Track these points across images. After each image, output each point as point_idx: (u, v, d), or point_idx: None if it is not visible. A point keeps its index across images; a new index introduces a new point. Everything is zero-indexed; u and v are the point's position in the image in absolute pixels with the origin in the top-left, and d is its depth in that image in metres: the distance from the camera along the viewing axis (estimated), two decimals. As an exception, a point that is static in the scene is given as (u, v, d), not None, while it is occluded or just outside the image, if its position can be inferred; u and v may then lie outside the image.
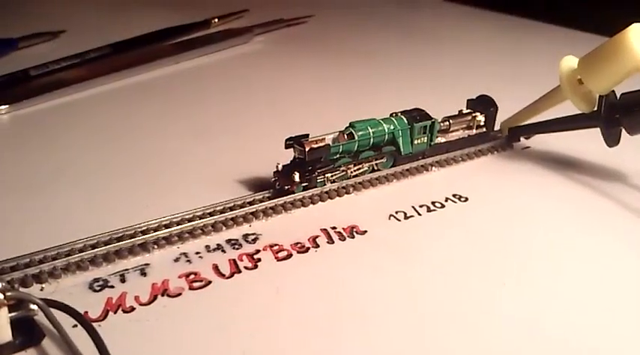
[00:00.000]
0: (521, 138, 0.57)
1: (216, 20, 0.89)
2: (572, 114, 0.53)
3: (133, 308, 0.35)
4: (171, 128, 0.59)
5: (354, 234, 0.43)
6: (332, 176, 0.47)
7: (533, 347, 0.34)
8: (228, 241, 0.42)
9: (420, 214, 0.46)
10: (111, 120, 0.61)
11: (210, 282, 0.38)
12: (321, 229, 0.43)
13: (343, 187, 0.47)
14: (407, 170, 0.50)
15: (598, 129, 0.51)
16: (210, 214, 0.43)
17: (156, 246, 0.40)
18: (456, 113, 0.54)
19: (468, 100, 0.55)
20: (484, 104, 0.54)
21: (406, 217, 0.45)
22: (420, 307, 0.37)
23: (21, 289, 0.36)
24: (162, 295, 0.37)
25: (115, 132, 0.58)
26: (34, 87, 0.65)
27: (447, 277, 0.39)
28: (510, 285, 0.39)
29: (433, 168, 0.51)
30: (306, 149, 0.44)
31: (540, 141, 0.56)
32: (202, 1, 1.04)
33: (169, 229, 0.41)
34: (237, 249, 0.41)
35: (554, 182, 0.51)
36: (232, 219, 0.43)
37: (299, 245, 0.42)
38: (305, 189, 0.46)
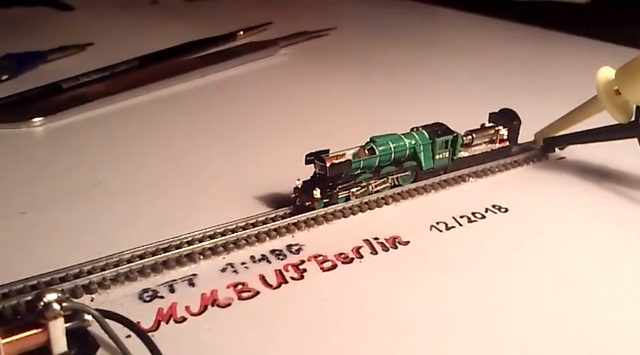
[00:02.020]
0: (556, 149, 0.57)
1: (242, 33, 0.90)
2: (607, 124, 0.52)
3: (184, 319, 0.35)
4: (203, 140, 0.59)
5: (397, 244, 0.43)
6: (356, 191, 0.46)
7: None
8: (273, 252, 0.42)
9: (461, 225, 0.46)
10: (142, 133, 0.61)
11: (258, 293, 0.38)
12: (363, 240, 0.43)
13: (382, 198, 0.48)
14: (444, 181, 0.50)
15: (633, 140, 0.51)
16: (253, 225, 0.43)
17: (202, 257, 0.40)
18: (479, 127, 0.53)
19: (490, 114, 0.54)
20: (507, 117, 0.54)
21: (447, 228, 0.45)
22: (468, 317, 0.37)
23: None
24: (213, 305, 0.37)
25: (148, 145, 0.58)
26: (66, 99, 0.66)
27: (494, 288, 0.39)
28: (558, 296, 0.39)
29: (470, 178, 0.51)
30: (327, 165, 0.44)
31: (575, 152, 0.56)
32: (227, 15, 1.05)
33: (214, 240, 0.41)
34: (282, 259, 0.41)
35: (592, 193, 0.51)
36: (275, 229, 0.43)
37: (343, 255, 0.42)
38: (326, 205, 0.45)
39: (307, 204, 0.44)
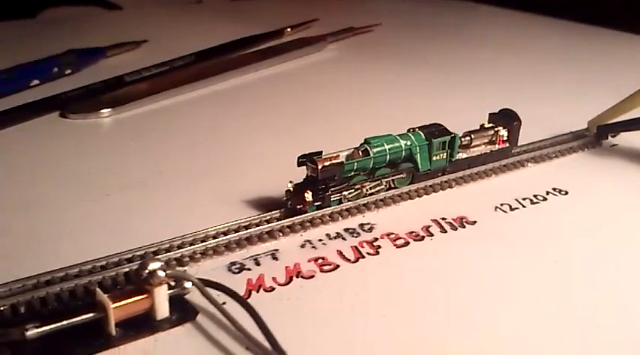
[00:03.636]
0: (609, 136, 0.58)
1: (289, 29, 0.92)
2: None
3: (272, 288, 0.38)
4: (261, 130, 0.62)
5: (464, 224, 0.45)
6: (348, 194, 0.46)
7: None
8: (346, 230, 0.44)
9: (524, 206, 0.47)
10: (204, 123, 0.64)
11: (338, 266, 0.40)
12: (431, 219, 0.45)
13: (446, 181, 0.50)
14: (504, 165, 0.52)
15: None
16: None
17: (281, 234, 0.43)
18: (478, 127, 0.52)
19: (490, 114, 0.53)
20: (507, 118, 0.52)
21: (512, 209, 0.47)
22: (537, 293, 0.38)
23: (165, 271, 0.39)
24: (297, 277, 0.39)
25: (211, 133, 0.61)
26: (130, 92, 0.69)
27: (562, 265, 0.41)
28: (623, 274, 0.40)
29: (529, 163, 0.53)
30: (319, 167, 0.43)
31: (627, 139, 0.58)
32: (271, 13, 1.08)
33: (291, 218, 0.44)
34: (356, 237, 0.43)
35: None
36: (347, 209, 0.45)
37: (414, 233, 0.44)
38: (318, 208, 0.44)
39: (298, 207, 0.44)
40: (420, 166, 0.48)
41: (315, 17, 0.98)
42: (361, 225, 0.45)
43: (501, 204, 0.47)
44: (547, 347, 0.34)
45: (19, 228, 0.44)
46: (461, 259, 0.41)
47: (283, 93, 0.73)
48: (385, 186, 0.47)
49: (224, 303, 0.36)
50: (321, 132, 0.61)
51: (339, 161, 0.44)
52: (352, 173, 0.45)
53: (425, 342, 0.34)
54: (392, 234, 0.44)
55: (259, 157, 0.56)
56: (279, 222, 0.43)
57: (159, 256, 0.40)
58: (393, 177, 0.47)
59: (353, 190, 0.46)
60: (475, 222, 0.45)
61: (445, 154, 0.49)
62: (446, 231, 0.44)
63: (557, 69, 0.83)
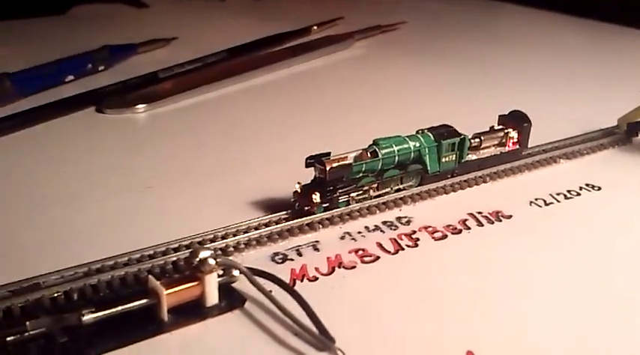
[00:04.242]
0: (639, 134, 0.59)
1: (316, 27, 0.93)
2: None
3: (316, 278, 0.39)
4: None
5: (501, 218, 0.46)
6: (357, 195, 0.45)
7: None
8: (384, 222, 0.45)
9: (558, 201, 0.48)
10: (235, 118, 0.65)
11: (378, 257, 0.41)
12: (467, 213, 0.46)
13: (480, 176, 0.50)
14: (537, 161, 0.53)
15: None
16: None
17: (321, 226, 0.44)
18: (488, 129, 0.52)
19: (499, 116, 0.52)
20: (517, 120, 0.52)
21: (546, 204, 0.48)
22: (574, 286, 0.39)
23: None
24: (339, 267, 0.40)
25: (244, 129, 0.62)
26: (164, 88, 0.70)
27: (596, 259, 0.42)
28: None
29: (561, 160, 0.54)
30: (327, 168, 0.43)
31: (658, 137, 0.59)
32: (294, 10, 1.09)
33: (331, 211, 0.44)
34: (394, 229, 0.44)
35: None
36: (384, 203, 0.46)
37: (451, 227, 0.45)
38: (326, 209, 0.44)
39: (306, 208, 0.44)
40: (428, 168, 0.48)
41: (338, 15, 0.99)
42: (398, 218, 0.46)
43: (536, 199, 0.48)
44: (580, 341, 0.35)
45: (62, 219, 0.45)
46: (498, 252, 0.42)
47: (315, 89, 0.74)
48: (393, 187, 0.47)
49: (271, 291, 0.37)
50: (349, 128, 0.62)
51: (347, 162, 0.44)
52: (360, 174, 0.45)
53: (464, 335, 0.35)
54: (429, 227, 0.44)
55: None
56: (319, 215, 0.44)
57: (204, 246, 0.41)
58: (403, 184, 0.48)
59: (361, 192, 0.46)
60: (511, 216, 0.46)
61: (454, 156, 0.48)
62: (482, 225, 0.45)
63: (580, 67, 0.83)
